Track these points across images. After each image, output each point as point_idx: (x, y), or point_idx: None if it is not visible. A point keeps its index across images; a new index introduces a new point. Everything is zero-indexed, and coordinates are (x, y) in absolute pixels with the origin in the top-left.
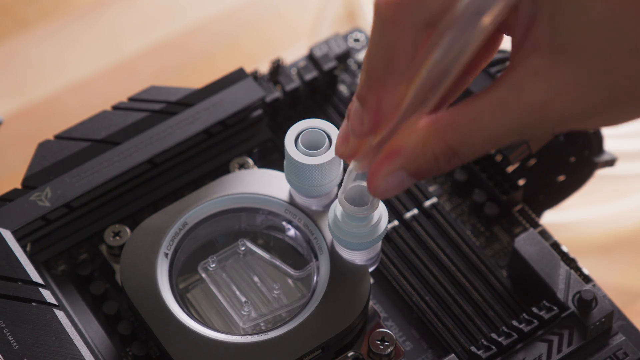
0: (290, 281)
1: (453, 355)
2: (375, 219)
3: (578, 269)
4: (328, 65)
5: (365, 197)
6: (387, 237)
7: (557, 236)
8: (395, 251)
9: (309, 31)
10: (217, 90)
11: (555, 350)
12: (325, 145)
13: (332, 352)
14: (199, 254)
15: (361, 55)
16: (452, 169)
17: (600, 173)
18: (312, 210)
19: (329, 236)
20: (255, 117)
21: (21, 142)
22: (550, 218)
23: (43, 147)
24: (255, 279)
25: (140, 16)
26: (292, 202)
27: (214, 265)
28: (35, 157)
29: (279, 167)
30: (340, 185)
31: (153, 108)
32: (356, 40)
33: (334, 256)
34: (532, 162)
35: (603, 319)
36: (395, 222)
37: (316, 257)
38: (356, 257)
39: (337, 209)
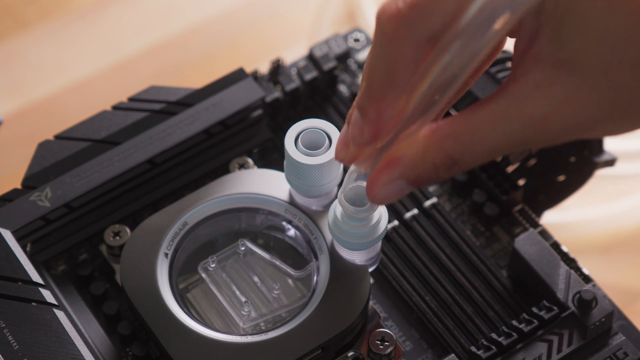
0: (290, 281)
1: (453, 355)
2: (375, 219)
3: (578, 269)
4: (328, 65)
5: (365, 197)
6: (387, 237)
7: (557, 236)
8: (395, 251)
9: (309, 31)
10: (217, 90)
11: (555, 350)
12: (325, 145)
13: (332, 352)
14: (199, 254)
15: (361, 55)
16: (451, 176)
17: (600, 173)
18: (312, 210)
19: (329, 236)
20: (255, 117)
21: (21, 142)
22: (550, 218)
23: (43, 147)
24: (255, 279)
25: (140, 16)
26: (292, 202)
27: (214, 265)
28: (35, 157)
29: (279, 167)
30: (340, 185)
31: (153, 108)
32: (356, 40)
33: (334, 256)
34: (532, 162)
35: (603, 319)
36: (395, 222)
37: (316, 257)
38: (356, 257)
39: (337, 209)
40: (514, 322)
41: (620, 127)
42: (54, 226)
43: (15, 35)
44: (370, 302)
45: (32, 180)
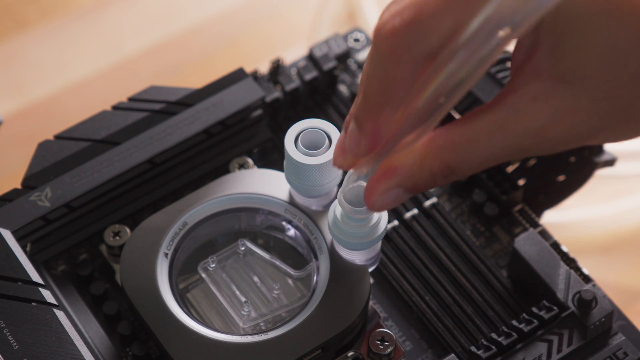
0: (290, 281)
1: (453, 355)
2: (375, 219)
3: (578, 269)
4: (328, 65)
5: None
6: (387, 237)
7: (557, 236)
8: (395, 251)
9: (309, 31)
10: (217, 90)
11: (555, 350)
12: (325, 145)
13: (332, 352)
14: (199, 254)
15: (361, 55)
16: (448, 183)
17: (600, 173)
18: (312, 210)
19: (328, 236)
20: (255, 117)
21: (21, 142)
22: (550, 218)
23: (43, 147)
24: (255, 279)
25: (140, 16)
26: (292, 202)
27: (213, 265)
28: (35, 157)
29: (279, 167)
30: (340, 185)
31: (153, 108)
32: (356, 40)
33: (333, 256)
34: (532, 162)
35: (603, 319)
36: (395, 222)
37: (316, 257)
38: (356, 257)
39: (336, 209)
40: (514, 322)
41: (620, 136)
42: (54, 226)
43: (15, 35)
44: (370, 302)
45: (32, 180)
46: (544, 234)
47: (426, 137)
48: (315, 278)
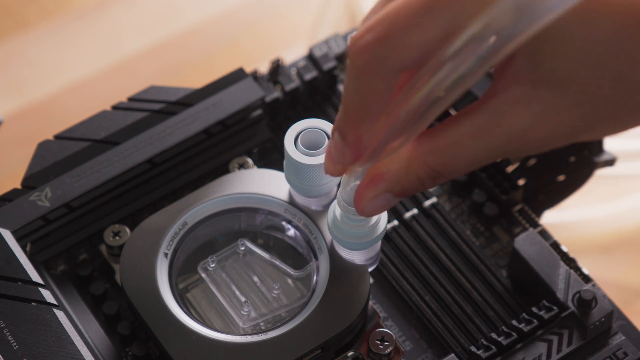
0: (290, 281)
1: (453, 355)
2: (374, 219)
3: (578, 269)
4: (328, 65)
5: None
6: (387, 237)
7: (557, 236)
8: (395, 251)
9: (309, 31)
10: (217, 90)
11: (555, 350)
12: (325, 145)
13: (332, 352)
14: (198, 254)
15: None
16: (436, 185)
17: (600, 173)
18: (312, 210)
19: (328, 236)
20: (255, 117)
21: (21, 142)
22: (550, 218)
23: (43, 147)
24: (255, 278)
25: (140, 16)
26: (291, 202)
27: (213, 265)
28: (35, 157)
29: (279, 167)
30: (339, 185)
31: (153, 108)
32: None
33: (333, 256)
34: (532, 161)
35: (603, 319)
36: (395, 222)
37: (316, 257)
38: (356, 257)
39: (336, 209)
40: (514, 322)
41: (603, 134)
42: (53, 226)
43: (15, 35)
44: (370, 302)
45: (32, 180)
46: (544, 234)
47: (411, 142)
48: (315, 278)
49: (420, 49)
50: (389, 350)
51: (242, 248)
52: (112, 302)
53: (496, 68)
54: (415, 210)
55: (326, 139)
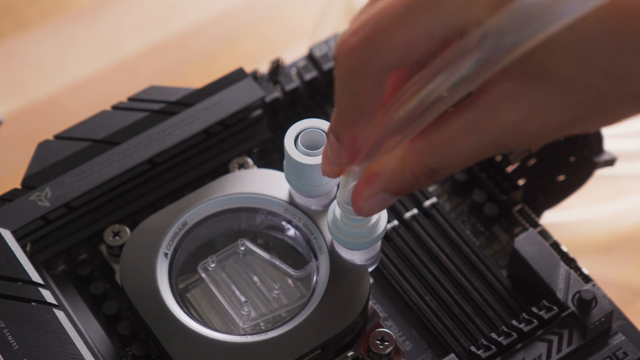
0: (290, 281)
1: (453, 355)
2: (374, 219)
3: (578, 269)
4: (328, 65)
5: None
6: (387, 237)
7: (557, 236)
8: (395, 251)
9: (309, 31)
10: (217, 90)
11: (555, 350)
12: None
13: (332, 352)
14: (198, 254)
15: None
16: (432, 182)
17: (600, 173)
18: (312, 210)
19: (328, 236)
20: (255, 117)
21: (21, 142)
22: (550, 218)
23: (43, 147)
24: (255, 278)
25: (140, 16)
26: (291, 202)
27: (213, 265)
28: (35, 157)
29: (279, 167)
30: (339, 185)
31: (153, 108)
32: None
33: (333, 256)
34: (532, 161)
35: (603, 319)
36: (395, 222)
37: (316, 257)
38: (356, 257)
39: (336, 209)
40: (514, 322)
41: (596, 126)
42: (53, 226)
43: (15, 35)
44: (370, 302)
45: (32, 180)
46: (544, 233)
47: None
48: (315, 278)
49: (404, 48)
50: (389, 350)
51: (242, 248)
52: (112, 302)
53: None
54: (415, 210)
55: (326, 139)
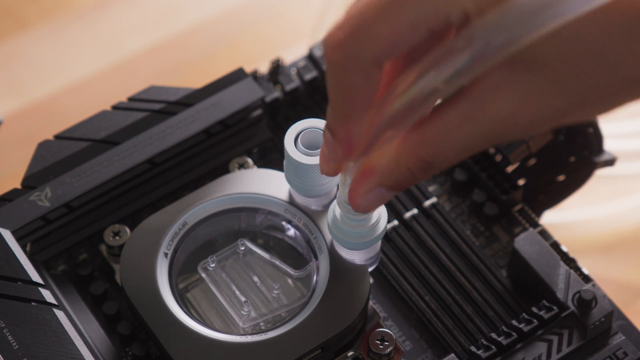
0: (290, 281)
1: (453, 355)
2: (374, 219)
3: (578, 269)
4: None
5: None
6: (387, 237)
7: (556, 236)
8: (395, 251)
9: (309, 31)
10: (216, 90)
11: (555, 350)
12: None
13: (332, 352)
14: (198, 254)
15: None
16: (429, 177)
17: (600, 173)
18: (312, 210)
19: (328, 236)
20: (255, 117)
21: (21, 142)
22: (550, 218)
23: (43, 147)
24: (255, 278)
25: (140, 16)
26: (291, 202)
27: (213, 265)
28: (35, 157)
29: (279, 167)
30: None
31: (153, 108)
32: None
33: (333, 256)
34: (532, 161)
35: (603, 319)
36: (395, 222)
37: (316, 257)
38: (356, 257)
39: (336, 209)
40: (514, 322)
41: (590, 114)
42: (53, 226)
43: (15, 35)
44: (370, 302)
45: (32, 180)
46: (544, 233)
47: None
48: (315, 278)
49: (389, 39)
50: (389, 350)
51: (242, 248)
52: (112, 302)
53: None
54: (415, 210)
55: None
